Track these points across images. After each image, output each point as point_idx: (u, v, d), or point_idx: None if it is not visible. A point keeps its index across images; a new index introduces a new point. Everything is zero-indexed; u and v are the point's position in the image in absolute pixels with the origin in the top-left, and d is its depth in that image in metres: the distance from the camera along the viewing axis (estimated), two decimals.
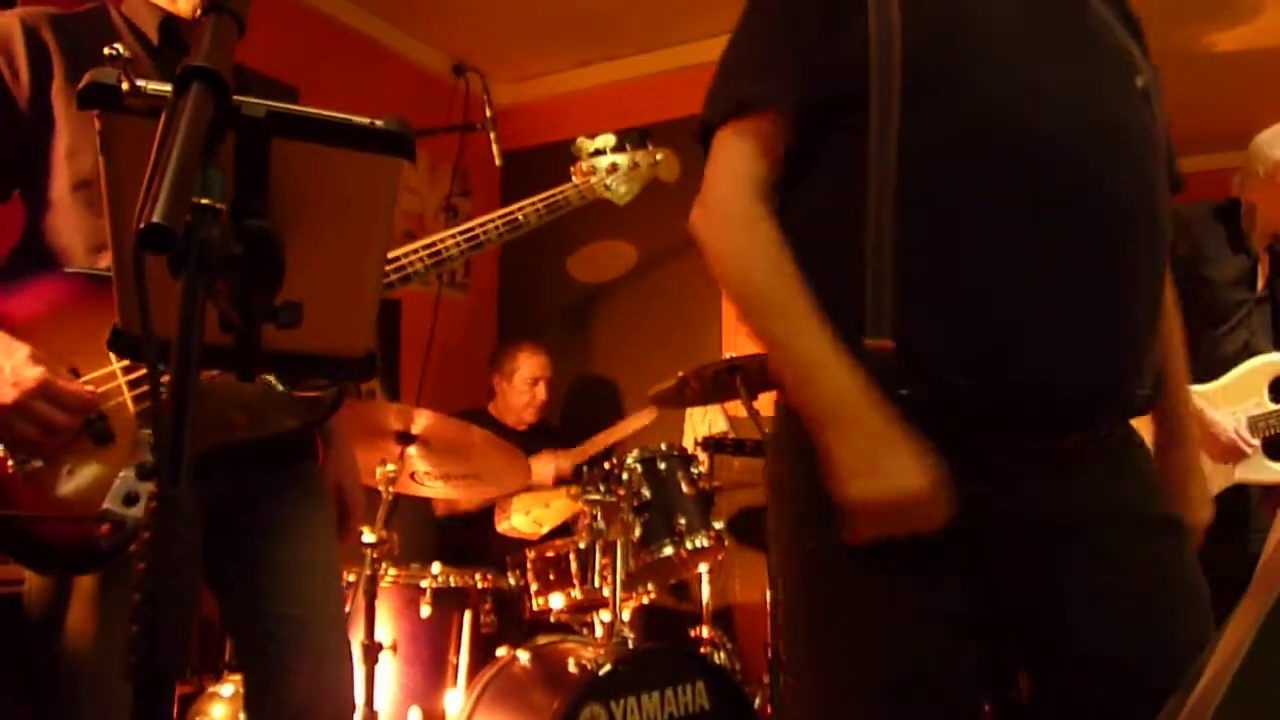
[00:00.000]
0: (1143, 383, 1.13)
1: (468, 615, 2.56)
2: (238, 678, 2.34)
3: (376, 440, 2.43)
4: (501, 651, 2.43)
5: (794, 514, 1.17)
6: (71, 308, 1.34)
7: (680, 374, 2.75)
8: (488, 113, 3.41)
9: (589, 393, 4.17)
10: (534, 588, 2.65)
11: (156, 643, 0.60)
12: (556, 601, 2.62)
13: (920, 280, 1.06)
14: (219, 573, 1.46)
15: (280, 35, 3.36)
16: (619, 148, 2.06)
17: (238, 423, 1.38)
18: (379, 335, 0.94)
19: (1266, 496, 2.44)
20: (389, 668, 2.40)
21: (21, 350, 1.25)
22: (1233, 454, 2.40)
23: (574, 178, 1.99)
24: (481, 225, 1.72)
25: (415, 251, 1.60)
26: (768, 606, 2.83)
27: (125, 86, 0.75)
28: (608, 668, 2.18)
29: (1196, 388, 2.42)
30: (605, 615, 2.55)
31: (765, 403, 2.66)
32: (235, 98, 0.72)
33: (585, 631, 2.66)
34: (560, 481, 3.37)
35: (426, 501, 3.30)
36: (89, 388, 1.30)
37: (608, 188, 2.02)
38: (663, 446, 2.69)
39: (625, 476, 2.58)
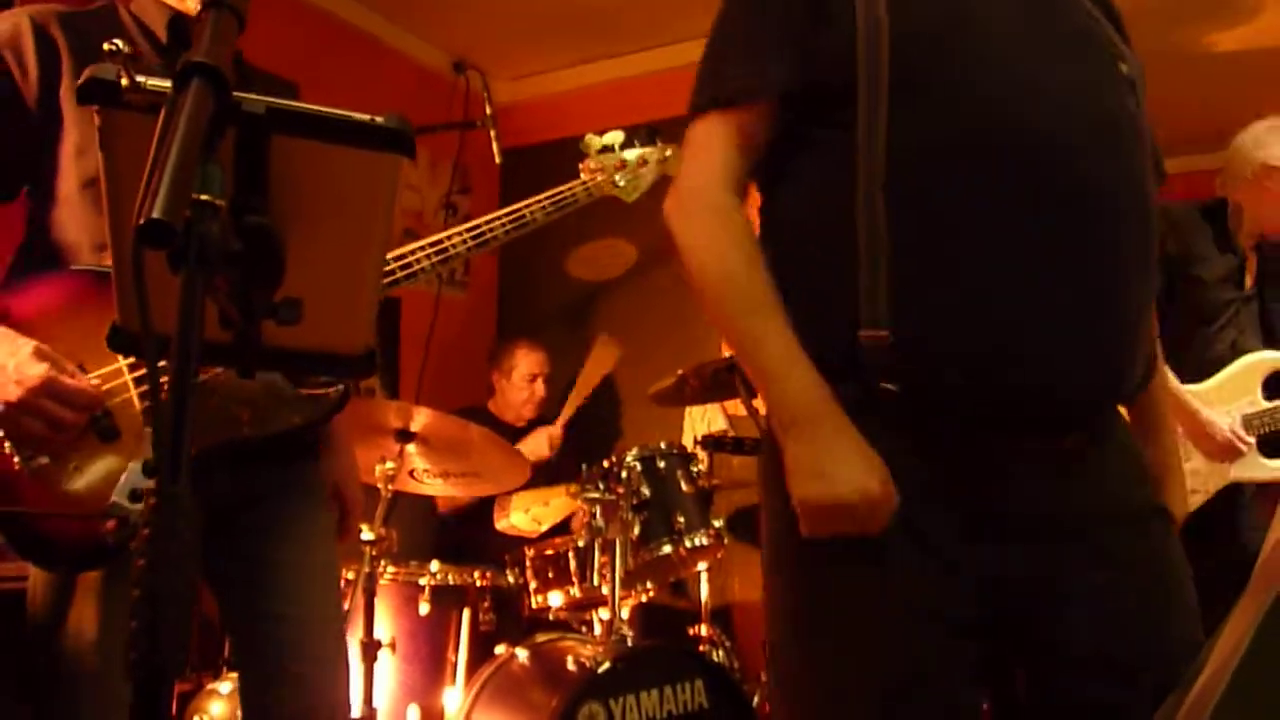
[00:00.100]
0: (1136, 373, 1.14)
1: (466, 613, 2.55)
2: (236, 675, 2.34)
3: (375, 438, 2.43)
4: (500, 649, 2.43)
5: (789, 514, 1.16)
6: (78, 304, 1.34)
7: (680, 372, 2.74)
8: (488, 110, 3.41)
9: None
10: (533, 586, 2.65)
11: (156, 640, 0.60)
12: (555, 599, 2.62)
13: (915, 279, 1.06)
14: (219, 571, 1.46)
15: (280, 32, 3.35)
16: (628, 144, 2.04)
17: (242, 419, 1.38)
18: (378, 333, 0.94)
19: (1258, 495, 2.45)
20: (388, 665, 2.40)
21: (27, 347, 1.25)
22: (1229, 452, 2.41)
23: (582, 175, 1.97)
24: (489, 223, 1.71)
25: (422, 249, 1.60)
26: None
27: (125, 82, 0.75)
28: (606, 666, 2.18)
29: (1190, 387, 2.44)
30: (604, 613, 2.55)
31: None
32: (235, 94, 0.72)
33: (584, 629, 2.66)
34: (557, 477, 3.37)
35: (426, 499, 3.30)
36: (94, 385, 1.30)
37: (616, 185, 2.00)
38: (662, 445, 2.69)
39: (624, 475, 2.58)
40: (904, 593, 1.07)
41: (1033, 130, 1.07)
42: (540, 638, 2.45)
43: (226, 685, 2.36)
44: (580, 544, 2.57)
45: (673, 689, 2.26)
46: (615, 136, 2.04)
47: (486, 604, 2.58)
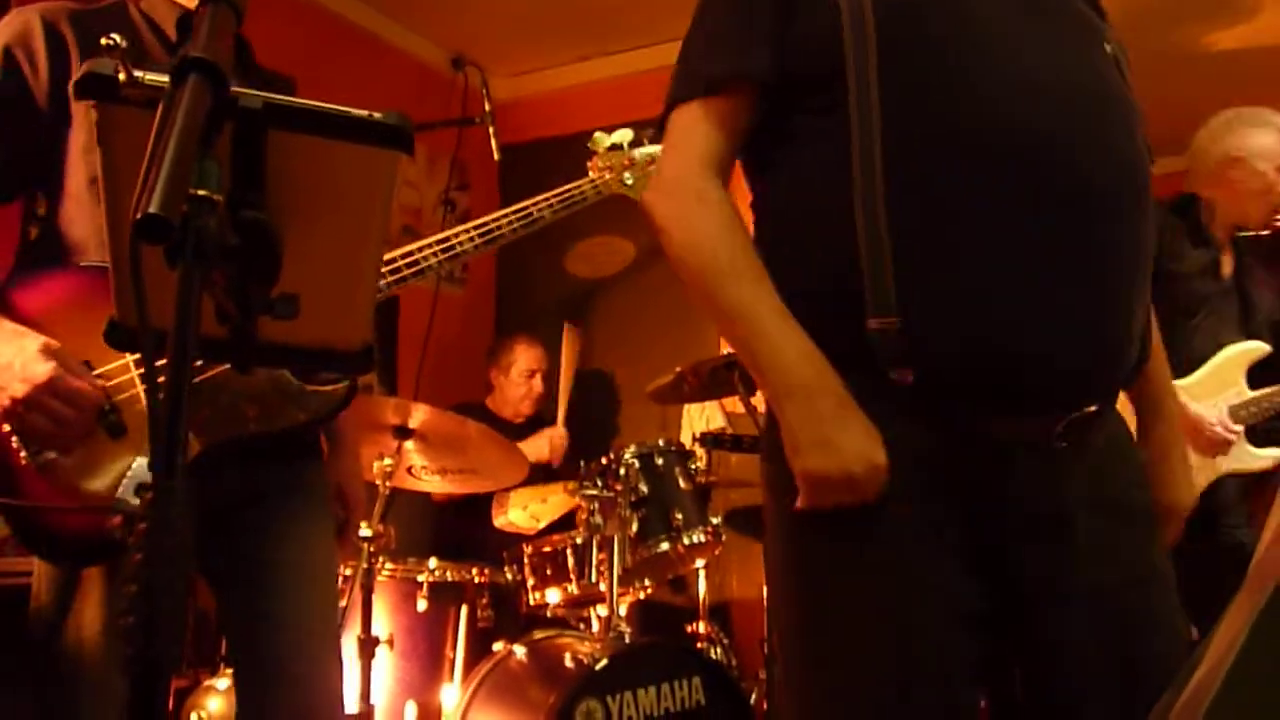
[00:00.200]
0: (1134, 348, 1.14)
1: (464, 610, 2.56)
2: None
3: (374, 434, 2.43)
4: (498, 646, 2.43)
5: (792, 513, 1.16)
6: (85, 301, 1.34)
7: (678, 370, 2.75)
8: (486, 107, 3.41)
9: (587, 388, 4.17)
10: (531, 582, 2.65)
11: (152, 635, 0.60)
12: (553, 596, 2.62)
13: (915, 267, 1.05)
14: (218, 569, 1.46)
15: (279, 29, 3.35)
16: (636, 143, 2.02)
17: (249, 415, 1.39)
18: (376, 329, 0.94)
19: (1245, 490, 2.46)
20: (385, 662, 2.40)
21: (34, 344, 1.25)
22: (1219, 445, 2.42)
23: (590, 173, 1.96)
24: (496, 220, 1.71)
25: (429, 246, 1.59)
26: (764, 602, 2.83)
27: (122, 77, 0.75)
28: (604, 663, 2.18)
29: (1176, 383, 2.44)
30: (602, 610, 2.55)
31: (763, 399, 2.66)
32: (233, 89, 0.72)
33: (582, 626, 2.66)
34: (555, 473, 3.37)
35: (424, 495, 3.31)
36: (99, 383, 1.30)
37: (625, 184, 1.99)
38: (660, 442, 2.69)
39: (623, 472, 2.58)
40: (911, 584, 1.06)
41: (1025, 120, 1.06)
42: (538, 634, 2.45)
43: (224, 681, 2.36)
44: (578, 541, 2.57)
45: (670, 686, 2.26)
46: (624, 135, 2.02)
47: (484, 601, 2.58)
